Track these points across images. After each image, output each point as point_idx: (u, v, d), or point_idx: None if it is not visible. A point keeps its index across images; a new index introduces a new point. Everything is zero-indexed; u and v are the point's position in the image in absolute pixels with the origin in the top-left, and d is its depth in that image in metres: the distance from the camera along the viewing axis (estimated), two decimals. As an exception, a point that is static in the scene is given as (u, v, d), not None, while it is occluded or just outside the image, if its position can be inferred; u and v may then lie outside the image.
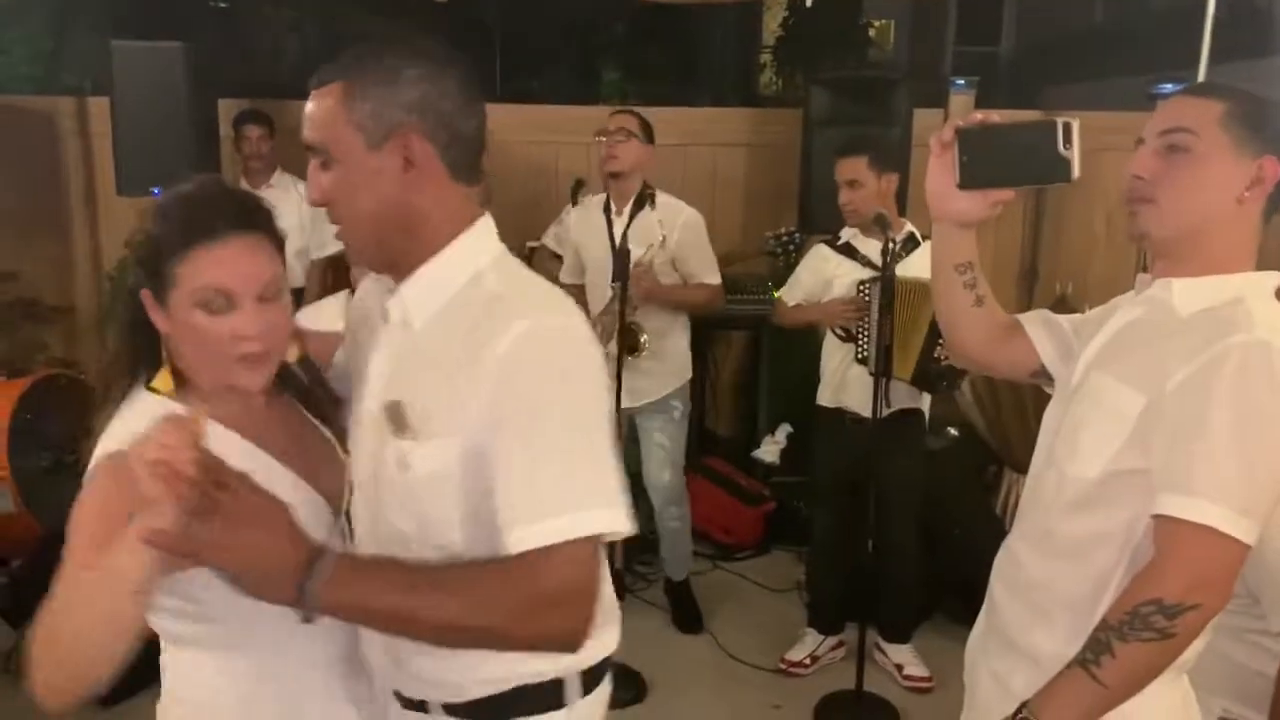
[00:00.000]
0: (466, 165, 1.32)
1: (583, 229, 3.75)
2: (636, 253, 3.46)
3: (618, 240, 3.52)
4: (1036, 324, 1.73)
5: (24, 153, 5.00)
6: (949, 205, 1.60)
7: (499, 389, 1.21)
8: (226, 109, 4.79)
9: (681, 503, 3.85)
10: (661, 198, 3.64)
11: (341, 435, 1.49)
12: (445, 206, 1.31)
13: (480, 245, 1.35)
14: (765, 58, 7.51)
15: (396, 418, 1.29)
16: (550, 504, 1.19)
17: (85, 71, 5.16)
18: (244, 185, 4.69)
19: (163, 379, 1.38)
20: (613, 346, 3.48)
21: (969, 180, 1.54)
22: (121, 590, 1.13)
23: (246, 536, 1.11)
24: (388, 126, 1.26)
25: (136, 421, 1.28)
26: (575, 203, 4.53)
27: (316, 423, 1.50)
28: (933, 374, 3.26)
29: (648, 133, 3.61)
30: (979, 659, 1.66)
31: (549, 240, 4.60)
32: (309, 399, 1.51)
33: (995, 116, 1.54)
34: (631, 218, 3.58)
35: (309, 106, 1.30)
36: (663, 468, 3.76)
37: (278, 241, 1.40)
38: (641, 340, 3.52)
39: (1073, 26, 10.64)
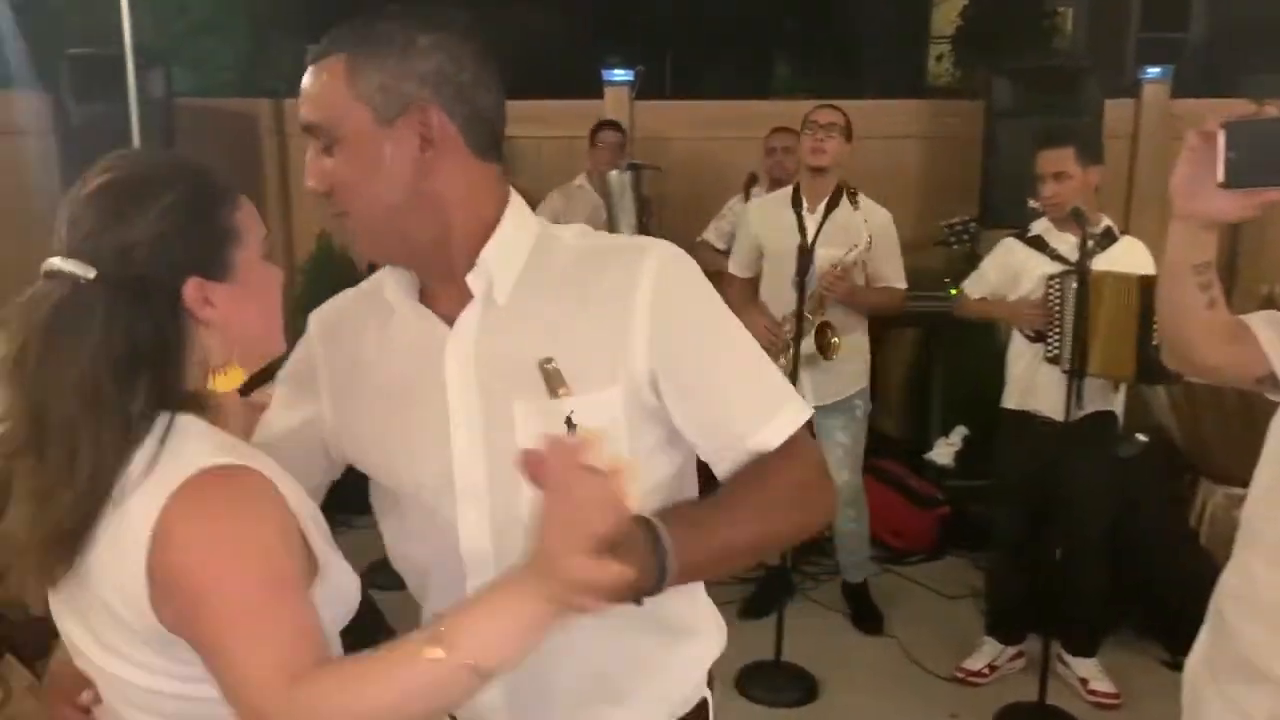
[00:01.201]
0: (489, 143, 1.19)
1: (766, 223, 3.68)
2: (835, 253, 3.44)
3: (809, 237, 3.49)
4: (1265, 327, 1.61)
5: (226, 153, 5.31)
6: (1201, 203, 1.50)
7: (663, 322, 1.18)
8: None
9: (859, 504, 3.81)
10: (862, 198, 3.59)
11: None
12: (476, 187, 1.18)
13: (528, 212, 1.26)
14: (940, 48, 7.32)
15: (552, 376, 1.17)
16: (774, 399, 1.23)
17: (282, 75, 5.44)
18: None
19: (230, 377, 1.16)
20: (804, 345, 3.46)
21: (1237, 178, 1.43)
22: (467, 677, 0.97)
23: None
24: (401, 101, 1.12)
25: (218, 436, 1.08)
26: (747, 197, 4.52)
27: None
28: (1160, 365, 3.10)
29: (849, 129, 3.57)
30: (1205, 682, 1.57)
31: (710, 235, 4.59)
32: None
33: (1272, 109, 1.44)
34: (825, 215, 3.53)
35: (306, 82, 1.15)
36: (841, 467, 3.71)
37: None
38: (834, 342, 3.49)
39: (1273, 9, 9.95)
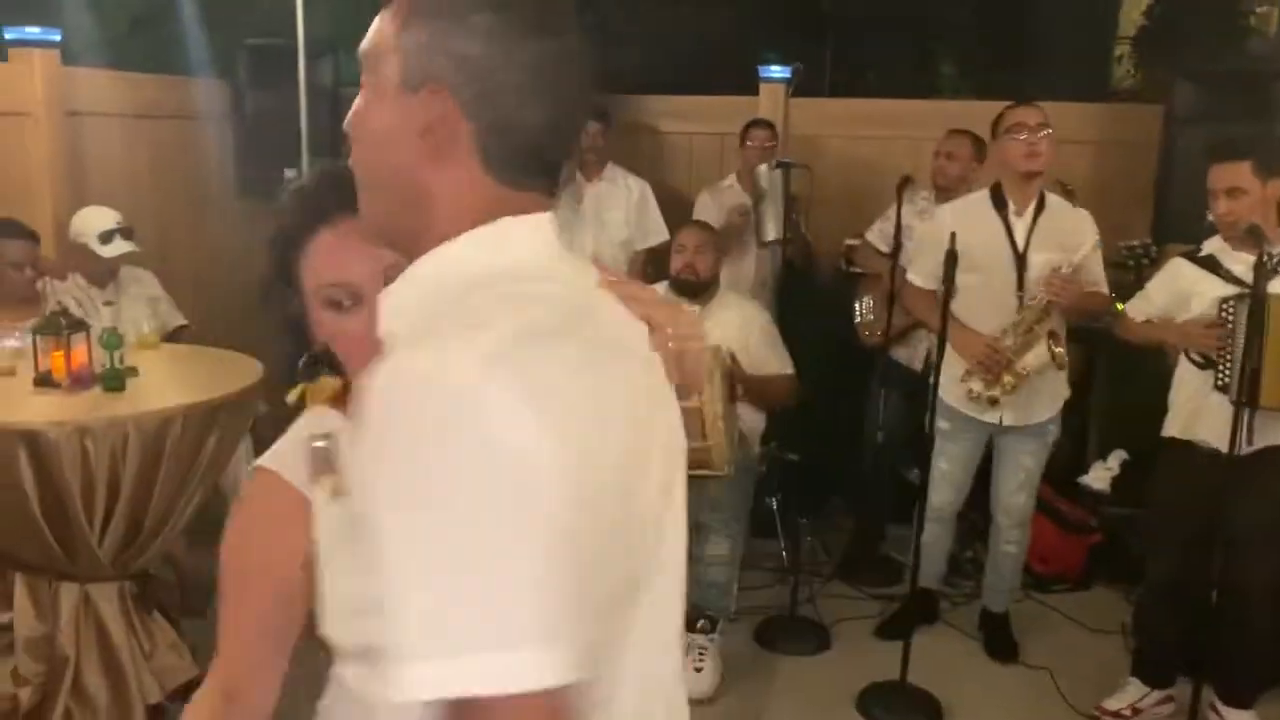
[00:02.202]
0: (515, 163, 0.95)
1: (965, 232, 3.30)
2: (1053, 257, 3.29)
3: (1020, 243, 3.34)
4: None
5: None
6: None
7: (365, 450, 0.81)
8: (567, 103, 5.02)
9: (1025, 528, 3.65)
10: (1053, 198, 3.41)
11: None
12: (474, 208, 0.94)
13: (495, 246, 0.95)
14: (1122, 49, 6.93)
15: (315, 457, 0.99)
16: (440, 635, 0.77)
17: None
18: (579, 177, 4.91)
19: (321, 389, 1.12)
20: (1030, 358, 3.32)
21: None
22: None
23: None
24: (425, 73, 0.93)
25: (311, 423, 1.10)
26: (900, 201, 4.37)
27: None
28: None
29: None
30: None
31: (873, 236, 4.46)
32: None
33: None
34: (1035, 219, 3.35)
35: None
36: (1020, 490, 3.57)
37: None
38: (1059, 352, 3.32)
39: None
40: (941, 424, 3.50)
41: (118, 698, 3.00)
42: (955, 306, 3.32)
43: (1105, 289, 3.48)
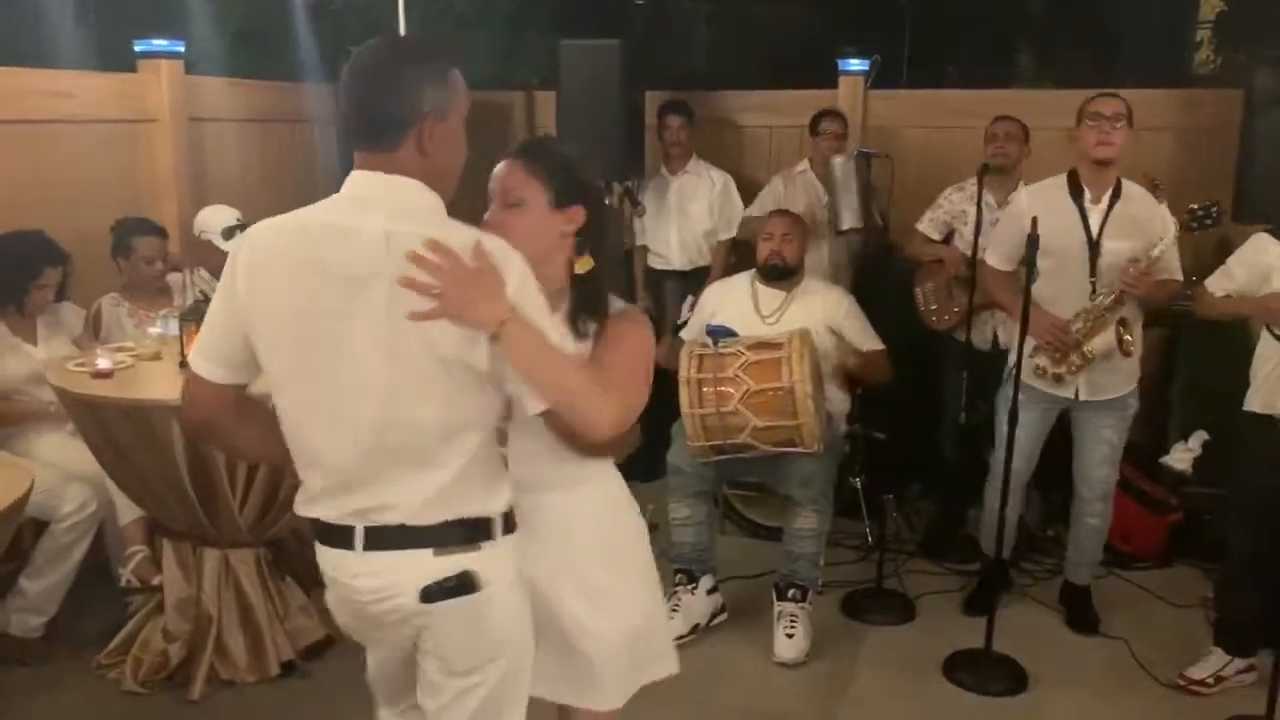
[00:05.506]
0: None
1: (1041, 214, 3.38)
2: (1126, 245, 3.38)
3: (1094, 231, 3.43)
4: None
5: (481, 141, 5.70)
6: None
7: None
8: (652, 100, 5.20)
9: (1109, 501, 3.73)
10: (1133, 188, 3.48)
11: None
12: None
13: None
14: (1202, 34, 6.89)
15: None
16: None
17: (536, 68, 5.77)
18: (664, 170, 5.10)
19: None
20: (1098, 342, 3.43)
21: None
22: None
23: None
24: None
25: None
26: (981, 188, 4.46)
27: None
28: None
29: (1131, 117, 3.42)
30: None
31: (924, 226, 4.51)
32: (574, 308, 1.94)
33: None
34: (1110, 207, 3.45)
35: None
36: (1105, 463, 3.66)
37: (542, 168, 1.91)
38: (1127, 340, 3.42)
39: None
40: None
41: (255, 654, 3.26)
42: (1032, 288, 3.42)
43: (1179, 277, 3.54)
